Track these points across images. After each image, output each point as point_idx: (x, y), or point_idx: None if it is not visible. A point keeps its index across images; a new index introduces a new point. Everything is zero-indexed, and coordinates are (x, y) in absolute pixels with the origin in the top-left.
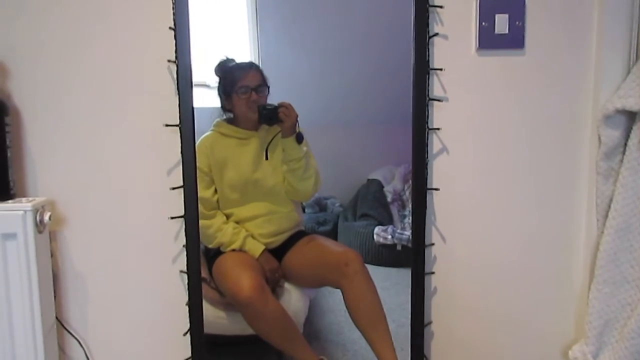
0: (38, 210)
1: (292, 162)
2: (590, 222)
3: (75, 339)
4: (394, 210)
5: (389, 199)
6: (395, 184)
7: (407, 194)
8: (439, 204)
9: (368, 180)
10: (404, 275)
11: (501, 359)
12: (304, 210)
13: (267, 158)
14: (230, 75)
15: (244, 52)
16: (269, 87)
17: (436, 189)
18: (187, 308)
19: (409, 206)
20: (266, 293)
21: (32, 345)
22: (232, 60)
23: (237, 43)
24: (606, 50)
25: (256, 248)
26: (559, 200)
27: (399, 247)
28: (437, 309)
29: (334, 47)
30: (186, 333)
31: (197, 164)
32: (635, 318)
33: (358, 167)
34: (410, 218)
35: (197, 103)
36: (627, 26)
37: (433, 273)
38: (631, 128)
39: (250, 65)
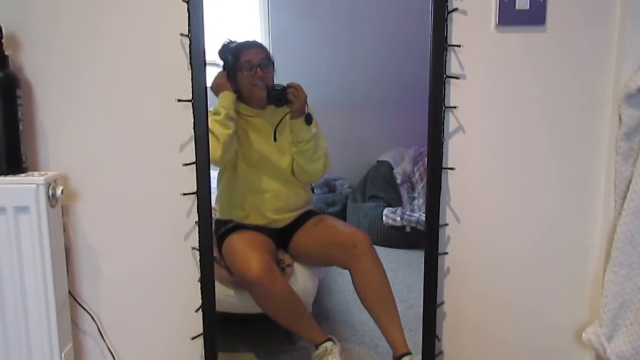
0: (50, 184)
1: (301, 143)
2: (607, 203)
3: (88, 312)
4: (404, 192)
5: (398, 181)
6: (405, 165)
7: (417, 176)
8: (454, 183)
9: (378, 161)
10: (413, 257)
11: (514, 340)
12: (312, 191)
13: (275, 139)
14: (234, 53)
15: (255, 31)
16: (273, 63)
17: (451, 169)
18: (199, 285)
19: (419, 188)
20: (274, 273)
21: (45, 319)
22: (235, 41)
23: (248, 21)
24: (629, 27)
25: None
26: (577, 180)
27: (407, 229)
28: (450, 290)
29: (347, 24)
30: (198, 309)
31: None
32: None
33: (368, 148)
34: (419, 200)
35: (207, 82)
36: None
37: (446, 253)
38: None
39: (252, 43)
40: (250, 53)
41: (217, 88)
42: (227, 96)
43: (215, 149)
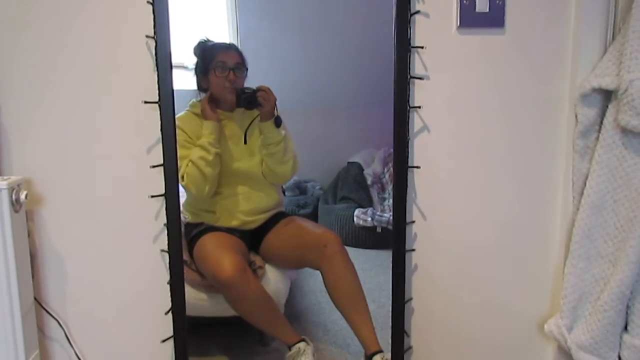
0: (14, 189)
1: (271, 145)
2: (566, 199)
3: (55, 319)
4: (374, 192)
5: (369, 182)
6: (375, 166)
7: (387, 177)
8: (420, 181)
9: (348, 163)
10: (384, 257)
11: (479, 332)
12: (284, 193)
13: (245, 142)
14: (209, 52)
15: (222, 32)
16: (247, 69)
17: (417, 167)
18: (168, 287)
19: (389, 189)
20: (248, 274)
21: (10, 326)
22: (212, 41)
23: (215, 23)
24: (584, 29)
25: None
26: (537, 177)
27: (378, 229)
28: (417, 286)
29: (315, 27)
30: (168, 312)
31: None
32: (607, 292)
33: (338, 150)
34: (390, 201)
35: (174, 84)
36: (604, 6)
37: (413, 250)
38: (607, 107)
39: (230, 45)
40: (227, 55)
41: (203, 114)
42: (213, 125)
43: (201, 186)
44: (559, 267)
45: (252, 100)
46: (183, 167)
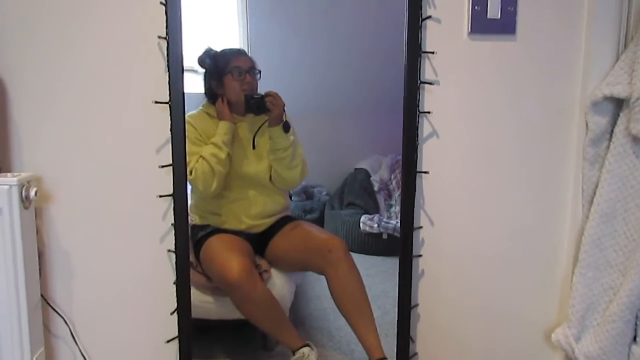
0: (24, 186)
1: (279, 151)
2: (576, 207)
3: (61, 316)
4: (381, 199)
5: (375, 188)
6: (382, 173)
7: (394, 184)
8: (428, 187)
9: (355, 169)
10: (390, 264)
11: (486, 340)
12: (290, 198)
13: (254, 147)
14: (222, 58)
15: (233, 37)
16: (260, 71)
17: (425, 172)
18: (174, 287)
19: (395, 195)
20: (255, 276)
21: (16, 323)
22: (216, 50)
23: (226, 27)
24: (595, 37)
25: None
26: (546, 185)
27: (384, 236)
28: (424, 292)
29: (325, 32)
30: (173, 312)
31: (187, 134)
32: (616, 302)
33: (345, 156)
34: (396, 207)
35: (185, 85)
36: (617, 14)
37: (420, 256)
38: (618, 115)
39: (240, 50)
40: (240, 60)
41: (220, 115)
42: (228, 126)
43: (209, 182)
44: (567, 275)
45: (261, 106)
46: (192, 162)
